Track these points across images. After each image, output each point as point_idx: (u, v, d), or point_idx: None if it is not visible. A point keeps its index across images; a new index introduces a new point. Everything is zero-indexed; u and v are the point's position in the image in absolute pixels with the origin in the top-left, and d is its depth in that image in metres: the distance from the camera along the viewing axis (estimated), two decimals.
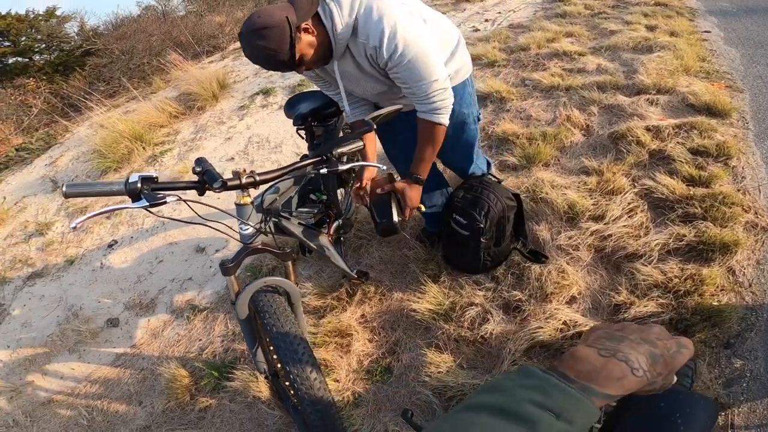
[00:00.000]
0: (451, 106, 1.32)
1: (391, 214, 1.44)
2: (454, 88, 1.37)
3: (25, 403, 1.95)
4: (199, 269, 2.41)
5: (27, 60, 7.70)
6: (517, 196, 1.72)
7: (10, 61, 7.74)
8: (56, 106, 5.31)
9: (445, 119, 1.32)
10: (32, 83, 6.27)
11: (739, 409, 1.29)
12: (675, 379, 0.52)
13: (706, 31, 4.00)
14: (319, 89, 1.66)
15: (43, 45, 7.84)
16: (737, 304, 1.55)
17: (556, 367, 0.45)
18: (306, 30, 1.14)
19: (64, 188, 0.96)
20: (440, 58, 1.27)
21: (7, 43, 7.81)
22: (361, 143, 1.18)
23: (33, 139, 4.46)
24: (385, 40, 1.15)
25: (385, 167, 1.40)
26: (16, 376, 2.09)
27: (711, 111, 2.64)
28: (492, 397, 0.40)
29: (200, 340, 2.00)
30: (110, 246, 2.74)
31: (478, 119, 1.64)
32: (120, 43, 6.44)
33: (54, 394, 1.96)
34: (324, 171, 1.12)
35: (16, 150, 4.33)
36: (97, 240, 2.81)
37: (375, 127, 1.12)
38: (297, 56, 1.12)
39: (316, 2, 1.15)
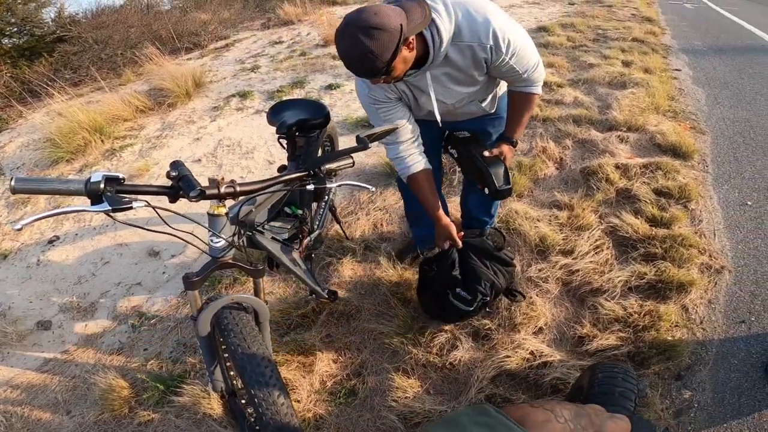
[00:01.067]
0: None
1: (510, 179, 1.53)
2: (502, 97, 1.59)
3: None
4: (150, 274, 2.35)
5: None
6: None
7: None
8: (14, 90, 5.01)
9: (541, 88, 1.47)
10: None
11: None
12: None
13: (677, 69, 4.40)
14: (306, 98, 1.70)
15: (15, 29, 7.37)
16: (689, 340, 1.72)
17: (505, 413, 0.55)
18: (408, 45, 1.14)
19: (12, 182, 0.87)
20: (530, 38, 1.37)
21: None
22: (350, 160, 1.19)
23: None
24: (500, 37, 1.22)
25: (374, 189, 1.45)
26: None
27: (676, 152, 2.91)
28: (447, 430, 0.48)
29: (145, 349, 1.94)
30: (51, 242, 2.61)
31: None
32: (95, 32, 6.24)
33: None
34: (311, 187, 1.12)
35: None
36: (37, 234, 2.67)
37: (369, 145, 1.15)
38: (389, 68, 1.11)
39: (428, 18, 1.15)
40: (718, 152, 2.99)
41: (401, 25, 1.06)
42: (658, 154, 2.91)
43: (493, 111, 1.62)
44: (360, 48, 1.06)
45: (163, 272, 2.35)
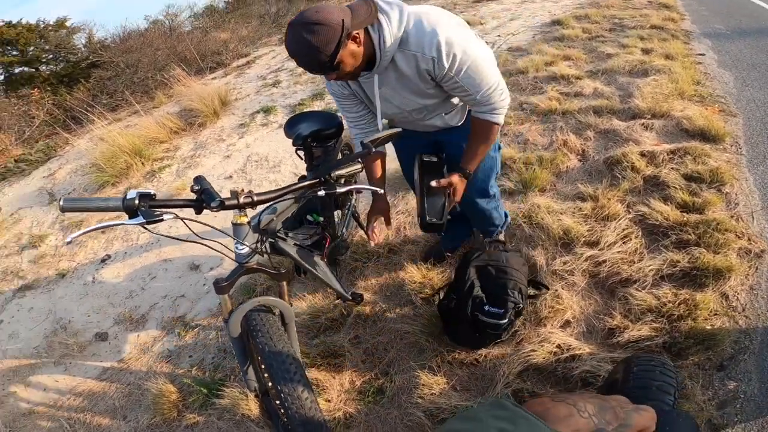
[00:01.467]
0: (508, 105, 1.36)
1: (443, 214, 1.44)
2: None
3: (6, 413, 1.94)
4: (192, 287, 2.44)
5: (33, 70, 7.76)
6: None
7: (17, 70, 7.78)
8: (58, 118, 5.34)
9: (502, 118, 1.37)
10: (36, 93, 6.32)
11: (733, 430, 1.32)
12: None
13: (700, 54, 4.14)
14: (319, 110, 1.71)
15: (51, 56, 7.91)
16: (730, 328, 1.59)
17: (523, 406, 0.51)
18: (354, 39, 1.14)
19: (61, 202, 0.97)
20: (493, 60, 1.30)
21: (15, 53, 7.84)
22: (359, 166, 1.21)
23: (33, 151, 4.50)
24: (444, 51, 1.17)
25: (382, 191, 1.44)
26: None
27: (705, 136, 2.72)
28: (466, 425, 0.45)
29: (190, 356, 2.02)
30: (103, 261, 2.76)
31: (499, 148, 1.60)
32: (125, 57, 6.51)
33: (36, 405, 1.96)
34: (322, 193, 1.14)
35: (15, 161, 4.37)
36: (91, 254, 2.84)
37: (373, 150, 1.16)
38: (336, 61, 1.12)
39: (373, 15, 1.15)
40: (752, 133, 2.78)
41: (343, 20, 1.07)
42: (685, 139, 2.73)
43: (460, 124, 1.52)
44: (302, 43, 1.08)
45: (203, 284, 2.43)
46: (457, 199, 1.50)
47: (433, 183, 1.44)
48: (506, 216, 2.00)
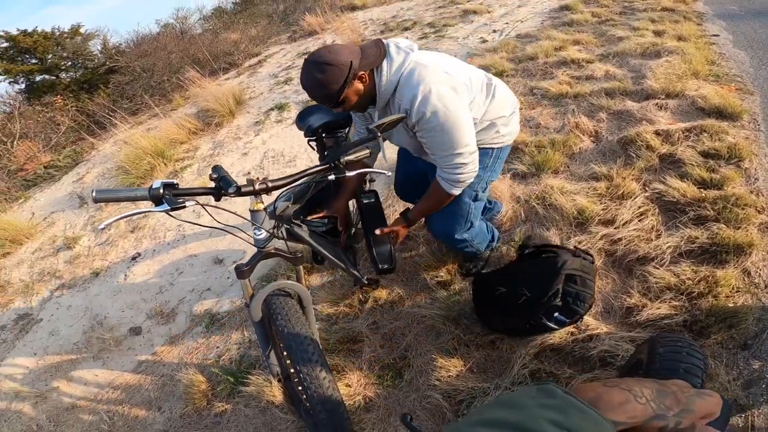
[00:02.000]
0: (469, 181, 1.36)
1: (393, 259, 1.50)
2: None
3: (50, 408, 2.00)
4: (217, 280, 2.47)
5: (54, 77, 7.84)
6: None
7: (38, 78, 7.87)
8: (83, 124, 5.40)
9: (456, 191, 1.38)
10: (59, 100, 6.41)
11: (759, 411, 1.25)
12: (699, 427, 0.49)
13: (714, 35, 3.97)
14: None
15: (69, 63, 7.98)
16: (753, 305, 1.52)
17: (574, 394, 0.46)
18: (360, 78, 1.21)
19: (93, 194, 1.02)
20: (470, 132, 1.28)
21: (34, 61, 7.91)
22: (367, 151, 1.23)
23: (61, 157, 4.61)
24: (416, 106, 1.21)
25: (390, 173, 1.44)
26: (41, 382, 2.15)
27: (721, 114, 2.61)
28: (510, 414, 0.41)
29: (218, 347, 2.05)
30: (134, 258, 2.83)
31: (476, 198, 1.53)
32: (141, 61, 6.55)
33: (77, 399, 2.02)
34: (332, 177, 1.16)
35: (45, 167, 4.49)
36: (122, 253, 2.91)
37: (379, 134, 1.17)
38: (341, 97, 1.19)
39: (381, 56, 1.22)
40: None
41: (351, 61, 1.14)
42: (701, 117, 2.61)
43: None
44: (312, 79, 1.17)
45: (228, 277, 2.47)
46: (399, 242, 1.58)
47: (377, 232, 1.50)
48: (493, 238, 1.88)
